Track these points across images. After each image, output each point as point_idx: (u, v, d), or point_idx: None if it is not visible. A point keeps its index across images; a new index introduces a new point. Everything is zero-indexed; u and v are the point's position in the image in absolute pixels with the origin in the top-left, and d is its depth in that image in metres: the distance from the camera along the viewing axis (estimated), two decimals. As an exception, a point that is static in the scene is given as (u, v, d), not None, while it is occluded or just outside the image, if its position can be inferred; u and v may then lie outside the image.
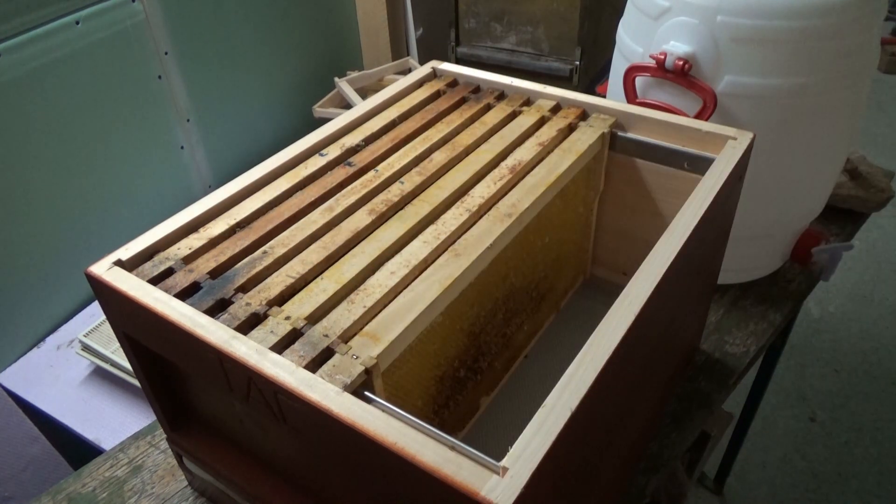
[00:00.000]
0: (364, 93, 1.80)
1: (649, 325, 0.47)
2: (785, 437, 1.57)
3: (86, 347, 1.22)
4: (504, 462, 0.35)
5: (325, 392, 0.39)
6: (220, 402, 0.54)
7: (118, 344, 1.07)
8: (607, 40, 1.92)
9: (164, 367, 0.56)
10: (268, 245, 0.53)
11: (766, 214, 0.78)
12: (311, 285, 0.49)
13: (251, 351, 0.42)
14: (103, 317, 1.26)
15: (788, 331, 1.10)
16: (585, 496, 0.50)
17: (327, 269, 0.50)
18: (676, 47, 0.68)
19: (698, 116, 0.69)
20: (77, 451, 1.18)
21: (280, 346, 0.44)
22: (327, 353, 0.43)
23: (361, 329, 0.45)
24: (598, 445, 0.48)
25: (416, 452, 0.35)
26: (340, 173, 0.61)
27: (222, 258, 0.51)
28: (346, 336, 0.45)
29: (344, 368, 0.42)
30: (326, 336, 0.44)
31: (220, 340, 0.43)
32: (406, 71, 1.91)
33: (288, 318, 0.46)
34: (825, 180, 0.81)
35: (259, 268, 0.50)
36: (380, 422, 0.37)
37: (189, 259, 0.51)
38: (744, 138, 0.60)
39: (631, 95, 0.74)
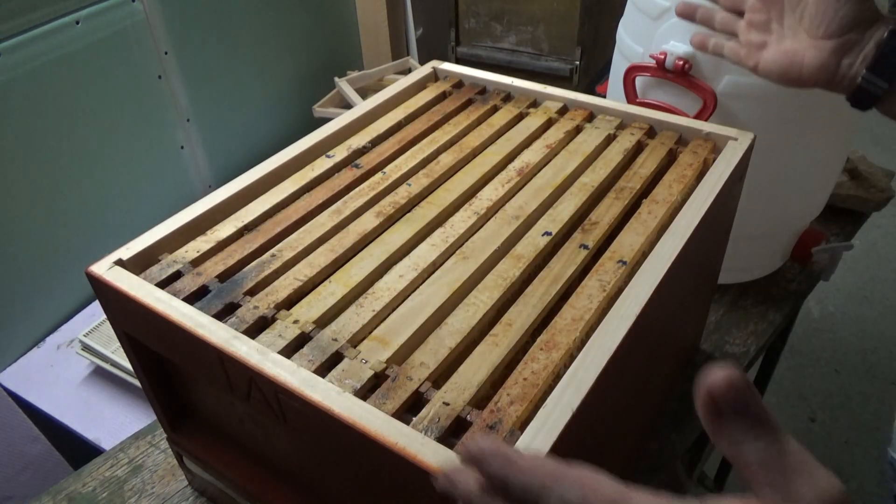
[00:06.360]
0: (364, 93, 1.80)
1: (649, 324, 0.47)
2: (785, 437, 1.56)
3: (86, 347, 1.22)
4: (505, 462, 0.35)
5: (326, 392, 0.39)
6: (220, 401, 0.54)
7: (118, 344, 1.07)
8: (607, 40, 1.92)
9: (165, 367, 0.56)
10: (276, 248, 0.52)
11: (766, 214, 0.78)
12: (320, 288, 0.48)
13: (252, 351, 0.42)
14: (103, 317, 1.26)
15: (788, 331, 1.10)
16: (586, 496, 0.50)
17: (335, 272, 0.50)
18: (676, 47, 0.68)
19: (698, 116, 0.69)
20: (77, 451, 1.18)
21: (288, 350, 0.43)
22: (336, 358, 0.43)
23: (370, 333, 0.45)
24: (598, 445, 0.48)
25: (417, 452, 0.35)
26: (348, 175, 0.60)
27: (230, 261, 0.51)
28: (355, 340, 0.44)
29: (354, 373, 0.42)
30: (335, 340, 0.44)
31: (220, 340, 0.43)
32: (406, 71, 1.91)
33: (296, 321, 0.45)
34: (825, 180, 0.81)
35: (267, 271, 0.50)
36: (381, 422, 0.37)
37: (197, 262, 0.51)
38: (744, 138, 0.60)
39: (631, 95, 0.74)
